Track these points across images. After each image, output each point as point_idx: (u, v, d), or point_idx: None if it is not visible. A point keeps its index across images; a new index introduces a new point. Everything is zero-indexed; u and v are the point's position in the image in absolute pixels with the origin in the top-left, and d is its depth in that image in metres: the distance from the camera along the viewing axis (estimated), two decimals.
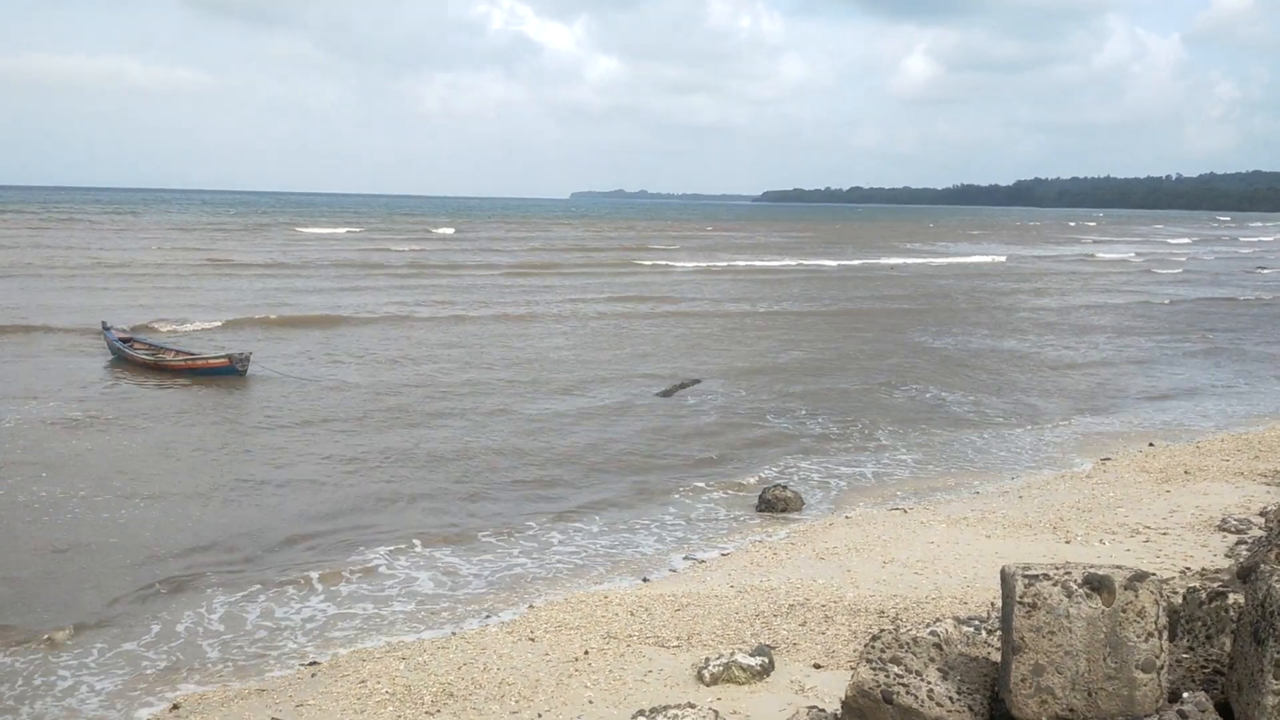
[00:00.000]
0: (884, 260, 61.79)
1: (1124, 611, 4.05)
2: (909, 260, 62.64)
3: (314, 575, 9.99)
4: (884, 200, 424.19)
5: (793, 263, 57.69)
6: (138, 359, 20.75)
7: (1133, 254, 75.17)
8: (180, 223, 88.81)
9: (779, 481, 12.98)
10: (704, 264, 55.23)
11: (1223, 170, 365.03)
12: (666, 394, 19.11)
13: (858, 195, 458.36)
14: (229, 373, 19.59)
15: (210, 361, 20.04)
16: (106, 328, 22.36)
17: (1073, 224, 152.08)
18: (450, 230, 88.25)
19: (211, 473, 13.49)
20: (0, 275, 38.46)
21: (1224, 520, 10.50)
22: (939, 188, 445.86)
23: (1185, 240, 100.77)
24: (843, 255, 65.06)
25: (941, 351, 25.45)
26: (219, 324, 27.68)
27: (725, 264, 56.02)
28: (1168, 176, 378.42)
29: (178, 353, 20.98)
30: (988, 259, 66.51)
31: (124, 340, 21.73)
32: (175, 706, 7.25)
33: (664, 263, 54.77)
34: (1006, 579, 4.27)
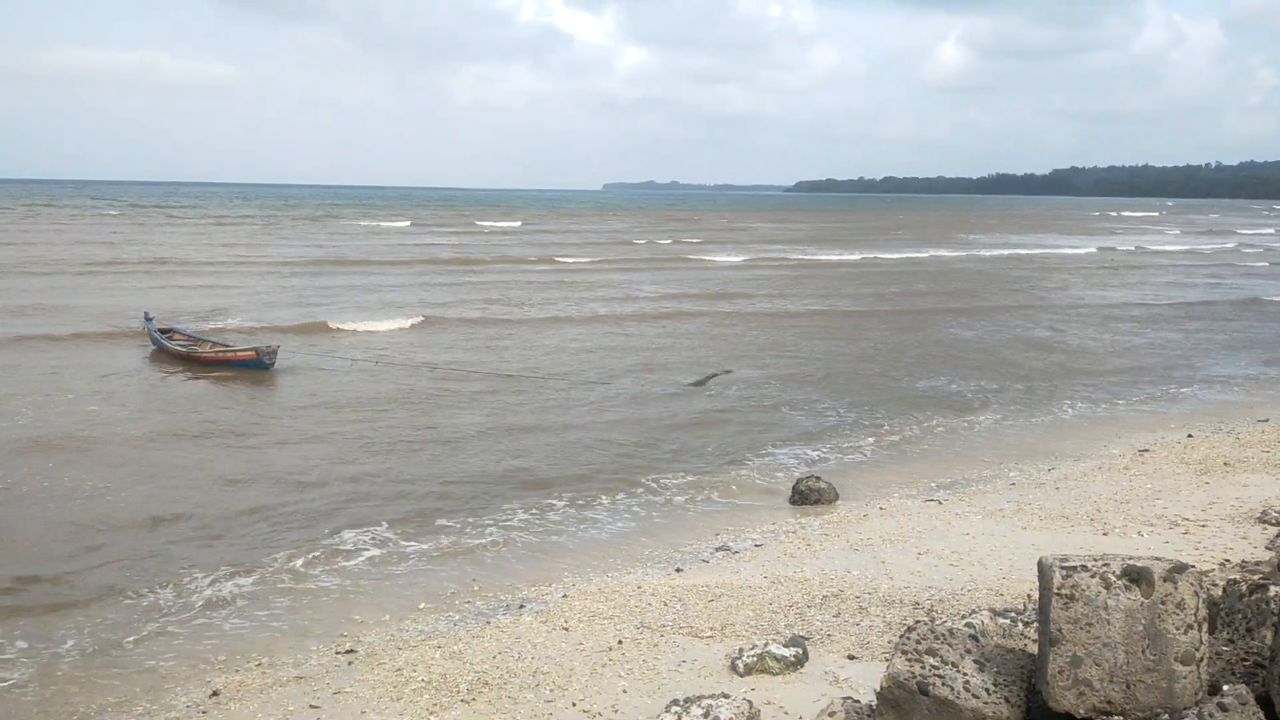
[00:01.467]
0: (973, 252, 60.55)
1: (1163, 603, 4.01)
2: (989, 251, 61.36)
3: (346, 563, 10.10)
4: (918, 190, 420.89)
5: (901, 255, 56.74)
6: (173, 350, 21.04)
7: (1234, 244, 73.34)
8: (248, 216, 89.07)
9: (812, 473, 12.94)
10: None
11: (1263, 158, 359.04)
12: (699, 384, 19.11)
13: (891, 185, 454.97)
14: (256, 365, 19.83)
15: (239, 354, 20.29)
16: (148, 318, 22.73)
17: (1139, 213, 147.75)
18: (516, 223, 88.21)
19: (237, 459, 13.66)
20: (138, 272, 38.36)
21: (1264, 512, 10.35)
22: (973, 177, 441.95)
23: (1270, 231, 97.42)
24: (909, 247, 64.20)
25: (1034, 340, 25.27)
26: (409, 325, 26.75)
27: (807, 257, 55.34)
28: (1207, 165, 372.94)
29: (213, 345, 21.25)
30: (1077, 250, 64.40)
31: (163, 331, 22.04)
32: (215, 693, 7.35)
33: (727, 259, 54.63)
34: (1044, 570, 4.24)
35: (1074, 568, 4.14)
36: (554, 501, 12.28)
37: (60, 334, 23.38)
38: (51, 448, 14.01)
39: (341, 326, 26.00)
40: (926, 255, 57.53)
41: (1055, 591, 4.12)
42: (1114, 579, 4.07)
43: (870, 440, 15.37)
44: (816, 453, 14.62)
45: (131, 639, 8.42)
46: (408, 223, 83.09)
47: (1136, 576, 4.06)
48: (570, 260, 49.07)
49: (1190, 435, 15.10)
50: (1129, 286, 41.61)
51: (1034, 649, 4.58)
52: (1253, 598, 4.85)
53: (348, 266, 43.91)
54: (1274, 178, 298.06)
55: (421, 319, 27.44)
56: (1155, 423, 16.55)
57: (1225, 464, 12.90)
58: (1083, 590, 4.07)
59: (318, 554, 10.40)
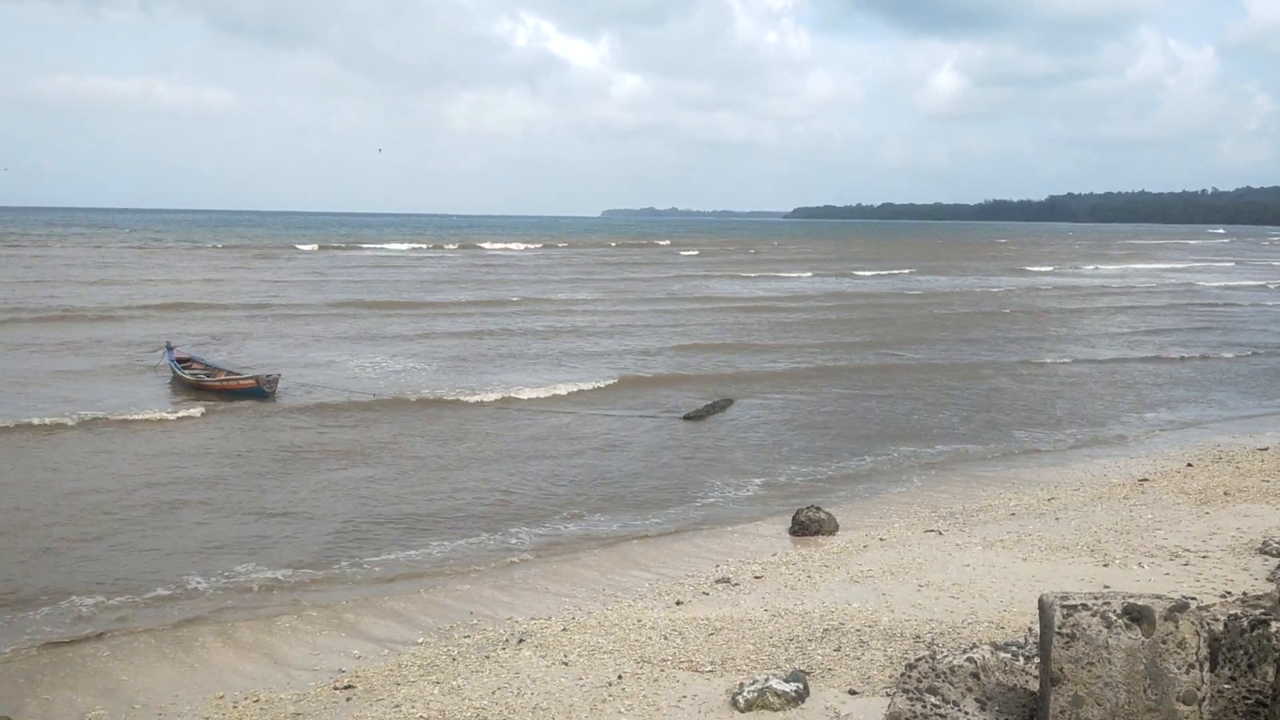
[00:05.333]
0: (1010, 280, 60.42)
1: (1164, 643, 4.01)
2: (1024, 281, 60.88)
3: (343, 600, 10.08)
4: (916, 216, 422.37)
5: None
6: (185, 379, 21.26)
7: None
8: (279, 249, 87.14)
9: (813, 503, 12.92)
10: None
11: (1259, 184, 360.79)
12: (696, 417, 19.05)
13: (889, 211, 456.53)
14: (257, 394, 20.03)
15: (240, 382, 20.60)
16: (169, 348, 22.93)
17: (1155, 240, 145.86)
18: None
19: (231, 494, 13.64)
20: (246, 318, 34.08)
21: (1265, 543, 10.33)
22: (971, 203, 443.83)
23: None
24: (939, 273, 64.32)
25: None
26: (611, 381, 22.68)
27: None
28: (1203, 191, 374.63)
29: (226, 374, 21.42)
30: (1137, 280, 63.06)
31: (181, 361, 22.31)
32: None
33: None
34: (1044, 608, 4.24)
35: (1075, 606, 4.14)
36: (548, 532, 12.27)
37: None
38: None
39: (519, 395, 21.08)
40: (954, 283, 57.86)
41: (1056, 630, 4.12)
42: (1115, 618, 4.07)
43: (871, 469, 15.38)
44: (817, 482, 14.61)
45: (126, 671, 8.38)
46: (536, 245, 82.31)
47: (1137, 615, 4.06)
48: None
49: (1190, 465, 15.09)
50: None
51: (1035, 686, 4.57)
52: (1254, 634, 4.83)
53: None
54: (1271, 204, 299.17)
55: (617, 379, 23.04)
56: (1158, 451, 16.56)
57: (1225, 494, 12.89)
58: (1084, 629, 4.07)
59: (313, 587, 10.38)
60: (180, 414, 18.45)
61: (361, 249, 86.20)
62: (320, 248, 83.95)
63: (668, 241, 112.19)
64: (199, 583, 10.44)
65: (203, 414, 18.50)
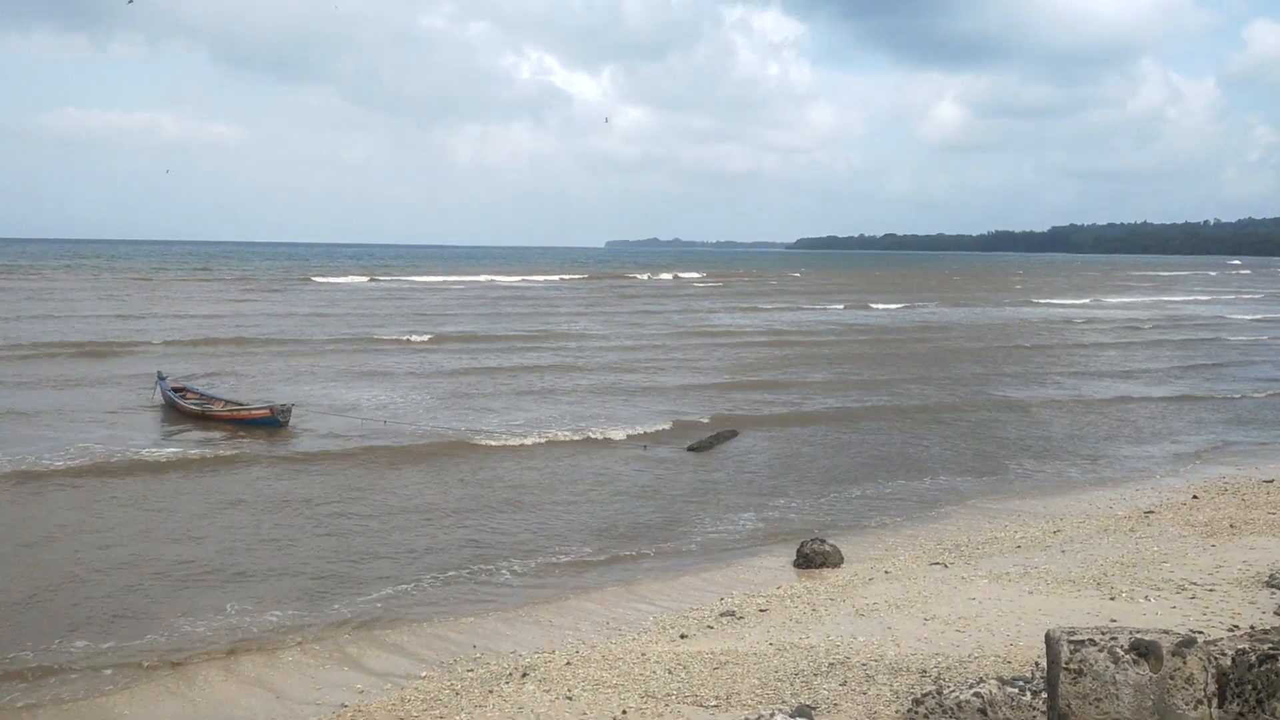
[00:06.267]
0: (1033, 311, 60.23)
1: (1172, 678, 4.00)
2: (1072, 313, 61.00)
3: (346, 634, 10.04)
4: (918, 247, 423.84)
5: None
6: (186, 409, 21.13)
7: None
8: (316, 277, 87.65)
9: (817, 535, 12.89)
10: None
11: (1261, 215, 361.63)
12: (700, 448, 19.02)
13: (892, 242, 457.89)
14: (271, 423, 19.95)
15: (253, 412, 20.42)
16: (161, 377, 22.83)
17: (1174, 271, 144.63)
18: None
19: (243, 525, 13.61)
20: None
21: (1272, 576, 10.29)
22: (974, 234, 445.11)
23: None
24: (956, 304, 64.18)
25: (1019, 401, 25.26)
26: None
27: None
28: (1205, 222, 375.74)
29: (226, 403, 21.33)
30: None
31: (177, 390, 22.17)
32: None
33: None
34: (1051, 643, 4.22)
35: (1082, 641, 4.12)
36: (549, 565, 12.23)
37: None
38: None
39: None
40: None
41: (1064, 666, 4.10)
42: (1122, 653, 4.05)
43: (875, 501, 15.34)
44: (820, 514, 14.57)
45: (129, 704, 8.34)
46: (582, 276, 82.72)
47: (1145, 651, 4.05)
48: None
49: (1195, 496, 15.04)
50: None
51: None
52: (1263, 669, 4.80)
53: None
54: (1274, 235, 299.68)
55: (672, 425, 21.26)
56: (1163, 482, 16.51)
57: (1231, 526, 12.85)
58: (1091, 665, 4.05)
59: (309, 620, 10.34)
60: (182, 453, 18.38)
61: (407, 279, 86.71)
62: (370, 279, 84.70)
63: (697, 274, 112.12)
64: (203, 613, 10.40)
65: (212, 444, 18.49)
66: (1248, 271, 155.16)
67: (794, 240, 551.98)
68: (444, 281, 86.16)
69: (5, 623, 10.12)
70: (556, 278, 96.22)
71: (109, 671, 9.08)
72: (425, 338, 37.64)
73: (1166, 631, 4.15)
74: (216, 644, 9.72)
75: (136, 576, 11.54)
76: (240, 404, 21.34)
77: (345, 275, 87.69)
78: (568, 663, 8.92)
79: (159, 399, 22.35)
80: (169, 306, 51.16)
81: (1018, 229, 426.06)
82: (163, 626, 10.08)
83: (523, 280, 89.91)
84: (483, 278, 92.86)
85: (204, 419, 20.64)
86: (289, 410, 20.25)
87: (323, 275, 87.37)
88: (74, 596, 10.88)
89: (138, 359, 30.06)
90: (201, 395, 22.29)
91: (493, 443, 19.05)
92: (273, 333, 38.50)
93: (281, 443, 19.01)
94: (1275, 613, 9.19)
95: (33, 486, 15.26)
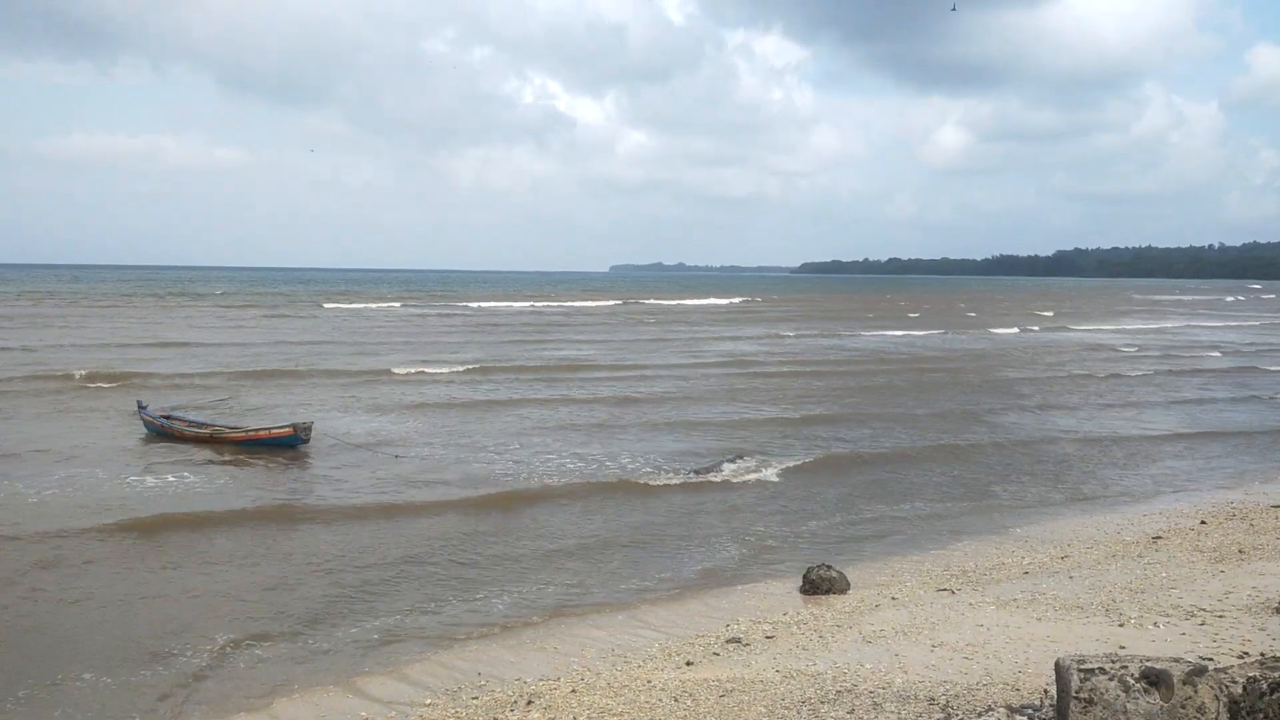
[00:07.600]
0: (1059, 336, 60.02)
1: (1183, 707, 3.96)
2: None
3: (341, 661, 10.00)
4: (922, 271, 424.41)
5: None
6: (190, 434, 21.05)
7: None
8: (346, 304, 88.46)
9: (823, 561, 12.83)
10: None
11: (1265, 239, 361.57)
12: (705, 472, 18.96)
13: (896, 266, 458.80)
14: (294, 442, 20.06)
15: (274, 431, 20.44)
16: (141, 406, 22.65)
17: (1195, 295, 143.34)
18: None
19: (243, 548, 13.58)
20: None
21: None
22: (978, 258, 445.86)
23: None
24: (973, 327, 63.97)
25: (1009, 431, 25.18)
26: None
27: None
28: (1210, 246, 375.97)
29: (232, 428, 21.24)
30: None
31: (165, 417, 22.06)
32: None
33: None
34: (1061, 672, 4.19)
35: (1092, 670, 4.09)
36: (554, 591, 12.18)
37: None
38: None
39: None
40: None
41: (1074, 695, 4.07)
42: (1132, 682, 4.02)
43: (881, 526, 15.27)
44: (827, 540, 14.51)
45: None
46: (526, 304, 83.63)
47: (1155, 679, 4.01)
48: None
49: (1204, 522, 14.97)
50: None
51: None
52: (1274, 697, 4.76)
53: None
54: (1277, 258, 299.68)
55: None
56: (1170, 507, 16.43)
57: (1240, 551, 12.77)
58: (1101, 694, 4.01)
59: (311, 646, 10.30)
60: (183, 475, 18.37)
61: (461, 304, 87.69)
62: (402, 304, 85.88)
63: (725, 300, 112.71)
64: (206, 639, 10.37)
65: (220, 462, 18.49)
66: (1271, 296, 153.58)
67: (798, 264, 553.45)
68: (500, 307, 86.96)
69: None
70: (598, 303, 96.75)
71: (114, 702, 9.05)
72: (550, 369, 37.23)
73: (1177, 660, 4.11)
74: (220, 671, 9.68)
75: (148, 600, 11.52)
76: (238, 426, 21.30)
77: (380, 301, 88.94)
78: (573, 690, 8.86)
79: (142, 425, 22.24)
80: (190, 334, 51.24)
81: (1021, 253, 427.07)
82: (174, 650, 10.05)
83: (568, 305, 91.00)
84: (521, 304, 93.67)
85: (216, 442, 20.57)
86: (309, 428, 20.33)
87: (395, 301, 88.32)
88: (113, 635, 10.85)
89: (155, 391, 30.10)
90: (189, 422, 21.91)
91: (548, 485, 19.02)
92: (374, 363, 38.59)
93: (289, 460, 18.98)
94: None
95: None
